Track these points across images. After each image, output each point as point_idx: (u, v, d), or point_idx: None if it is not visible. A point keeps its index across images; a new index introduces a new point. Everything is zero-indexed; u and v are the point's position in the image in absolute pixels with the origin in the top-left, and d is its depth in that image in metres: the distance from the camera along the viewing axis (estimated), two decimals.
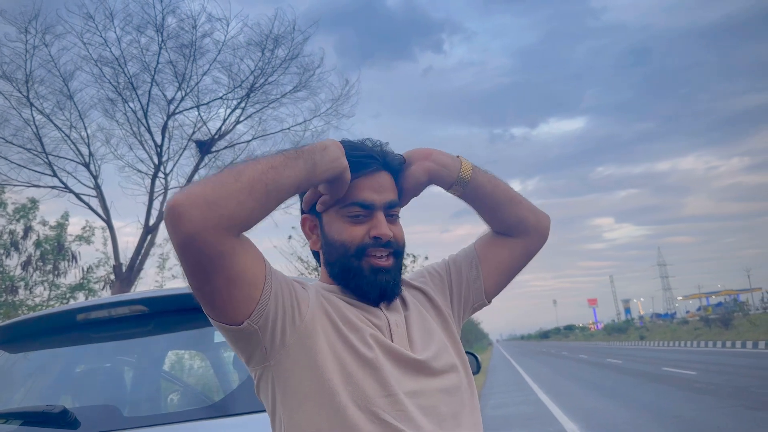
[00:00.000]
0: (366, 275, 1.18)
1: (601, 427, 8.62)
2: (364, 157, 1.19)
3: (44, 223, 13.20)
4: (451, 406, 1.16)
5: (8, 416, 2.09)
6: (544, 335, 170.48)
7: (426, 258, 25.22)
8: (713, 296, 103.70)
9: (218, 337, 2.53)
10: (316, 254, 1.29)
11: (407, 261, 24.57)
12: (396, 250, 1.22)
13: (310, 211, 1.25)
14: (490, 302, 1.43)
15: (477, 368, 4.41)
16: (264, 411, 2.05)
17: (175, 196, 0.99)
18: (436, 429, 1.11)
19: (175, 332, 2.57)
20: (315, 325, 1.12)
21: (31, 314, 2.56)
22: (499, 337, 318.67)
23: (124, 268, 12.39)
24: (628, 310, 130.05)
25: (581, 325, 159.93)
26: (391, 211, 1.22)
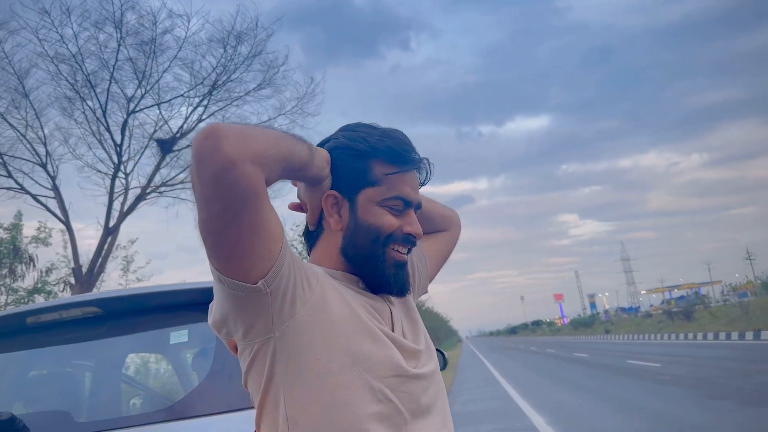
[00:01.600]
0: (388, 266, 1.18)
1: (569, 420, 8.71)
2: (412, 152, 1.21)
3: None
4: (436, 389, 1.18)
5: None
6: (512, 331, 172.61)
7: None
8: (675, 290, 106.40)
9: (174, 338, 2.46)
10: (309, 236, 1.25)
11: None
12: (413, 247, 1.24)
13: (339, 189, 1.19)
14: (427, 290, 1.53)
15: (444, 364, 4.42)
16: (223, 413, 2.02)
17: (208, 125, 0.94)
18: (427, 414, 1.12)
19: (130, 334, 2.50)
20: (325, 300, 1.08)
21: None
22: (468, 333, 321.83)
23: (84, 271, 12.08)
24: (593, 305, 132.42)
25: (548, 321, 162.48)
26: (417, 213, 1.25)
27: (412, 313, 1.29)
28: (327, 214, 1.19)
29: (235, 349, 1.14)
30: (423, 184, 1.28)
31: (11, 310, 2.48)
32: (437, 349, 4.71)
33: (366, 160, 1.17)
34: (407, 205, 1.19)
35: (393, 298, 1.25)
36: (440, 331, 73.27)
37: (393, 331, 1.16)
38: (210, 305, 1.13)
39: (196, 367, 2.70)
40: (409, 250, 1.23)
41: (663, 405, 8.88)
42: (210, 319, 1.11)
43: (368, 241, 1.17)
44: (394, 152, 1.18)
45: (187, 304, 2.37)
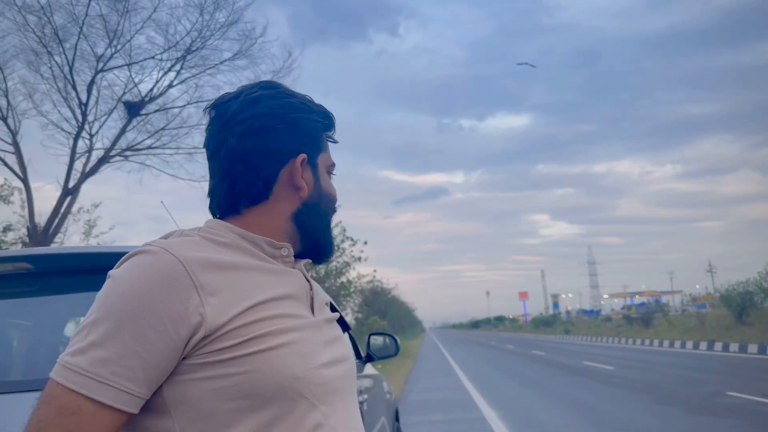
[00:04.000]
0: (331, 232, 1.14)
1: (519, 414, 8.74)
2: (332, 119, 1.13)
3: None
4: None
5: None
6: (475, 325, 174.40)
7: (365, 243, 25.11)
8: (637, 296, 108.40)
9: None
10: (233, 201, 1.03)
11: (345, 244, 24.46)
12: None
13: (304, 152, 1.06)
14: None
15: (396, 350, 4.33)
16: None
17: None
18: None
19: (65, 294, 2.34)
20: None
21: None
22: (432, 324, 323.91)
23: (39, 231, 11.71)
24: (556, 305, 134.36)
25: (511, 317, 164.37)
26: None
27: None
28: (297, 179, 1.04)
29: None
30: None
31: None
32: (389, 335, 4.59)
33: (319, 122, 1.09)
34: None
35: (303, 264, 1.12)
36: (404, 319, 73.54)
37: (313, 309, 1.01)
38: None
39: None
40: None
41: (612, 407, 8.98)
42: None
43: (329, 209, 1.10)
44: (330, 118, 1.12)
45: None
